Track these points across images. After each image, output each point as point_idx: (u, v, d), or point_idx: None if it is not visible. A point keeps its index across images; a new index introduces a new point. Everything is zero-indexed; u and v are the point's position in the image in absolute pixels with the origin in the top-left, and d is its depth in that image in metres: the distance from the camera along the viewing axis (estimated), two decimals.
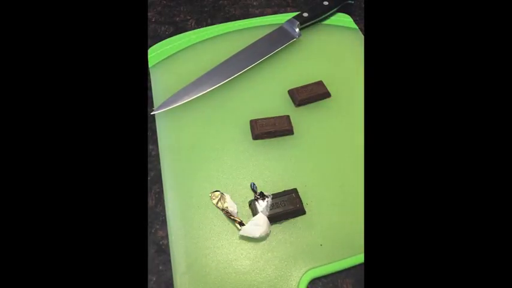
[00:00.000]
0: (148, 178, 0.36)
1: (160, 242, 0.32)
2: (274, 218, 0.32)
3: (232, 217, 0.32)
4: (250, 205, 0.33)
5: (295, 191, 0.33)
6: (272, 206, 0.32)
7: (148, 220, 0.33)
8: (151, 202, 0.34)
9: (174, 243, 0.31)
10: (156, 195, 0.35)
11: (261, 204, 0.32)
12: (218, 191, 0.33)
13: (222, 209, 0.32)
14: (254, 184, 0.34)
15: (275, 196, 0.33)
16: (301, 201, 0.32)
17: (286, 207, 0.32)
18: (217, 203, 0.33)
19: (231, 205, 0.32)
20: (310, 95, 0.40)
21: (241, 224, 0.31)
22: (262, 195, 0.33)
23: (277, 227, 0.32)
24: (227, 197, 0.33)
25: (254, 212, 0.32)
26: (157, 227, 0.33)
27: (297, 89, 0.41)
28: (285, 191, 0.33)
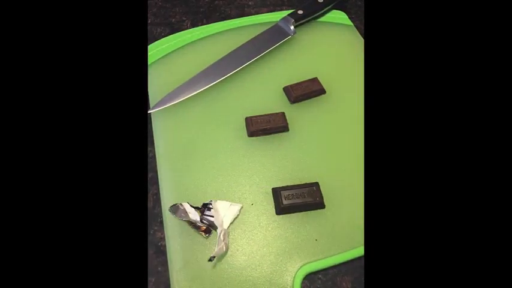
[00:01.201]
0: None
1: (159, 244, 0.32)
2: (292, 208, 0.32)
3: (198, 225, 0.31)
4: (206, 227, 0.31)
5: (316, 184, 0.33)
6: (292, 196, 0.32)
7: None
8: (149, 203, 0.34)
9: (170, 240, 0.31)
10: (154, 197, 0.35)
11: (211, 214, 0.31)
12: (175, 205, 0.32)
13: (189, 222, 0.31)
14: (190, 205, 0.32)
15: (296, 187, 0.32)
16: (321, 195, 0.32)
17: (306, 198, 0.32)
18: (181, 217, 0.31)
19: (192, 213, 0.31)
20: (305, 91, 0.40)
21: (207, 231, 0.30)
22: (205, 206, 0.32)
23: (273, 222, 0.32)
24: (186, 206, 0.32)
25: (211, 225, 0.31)
26: (156, 228, 0.33)
27: (292, 86, 0.41)
28: (306, 183, 0.33)
